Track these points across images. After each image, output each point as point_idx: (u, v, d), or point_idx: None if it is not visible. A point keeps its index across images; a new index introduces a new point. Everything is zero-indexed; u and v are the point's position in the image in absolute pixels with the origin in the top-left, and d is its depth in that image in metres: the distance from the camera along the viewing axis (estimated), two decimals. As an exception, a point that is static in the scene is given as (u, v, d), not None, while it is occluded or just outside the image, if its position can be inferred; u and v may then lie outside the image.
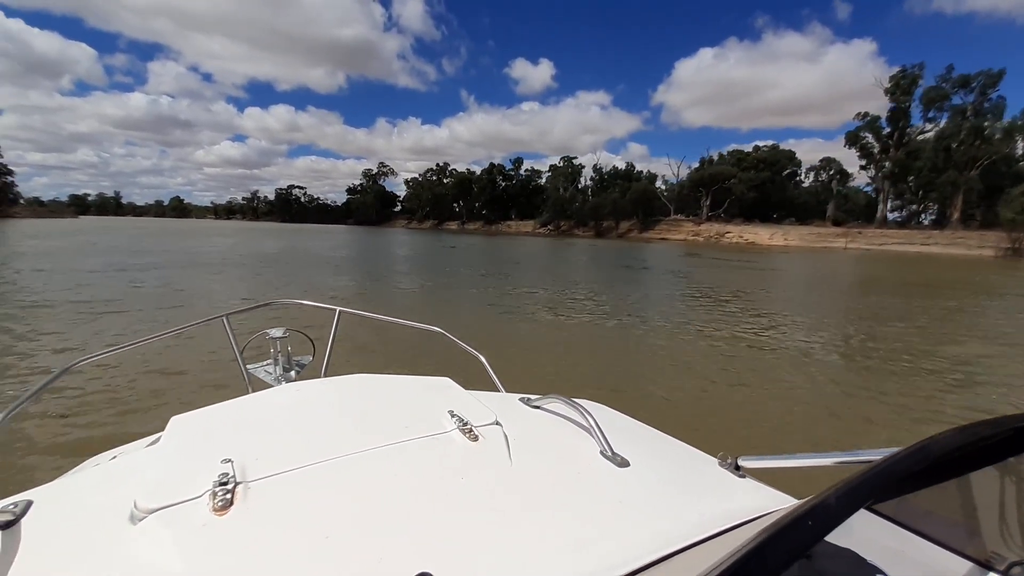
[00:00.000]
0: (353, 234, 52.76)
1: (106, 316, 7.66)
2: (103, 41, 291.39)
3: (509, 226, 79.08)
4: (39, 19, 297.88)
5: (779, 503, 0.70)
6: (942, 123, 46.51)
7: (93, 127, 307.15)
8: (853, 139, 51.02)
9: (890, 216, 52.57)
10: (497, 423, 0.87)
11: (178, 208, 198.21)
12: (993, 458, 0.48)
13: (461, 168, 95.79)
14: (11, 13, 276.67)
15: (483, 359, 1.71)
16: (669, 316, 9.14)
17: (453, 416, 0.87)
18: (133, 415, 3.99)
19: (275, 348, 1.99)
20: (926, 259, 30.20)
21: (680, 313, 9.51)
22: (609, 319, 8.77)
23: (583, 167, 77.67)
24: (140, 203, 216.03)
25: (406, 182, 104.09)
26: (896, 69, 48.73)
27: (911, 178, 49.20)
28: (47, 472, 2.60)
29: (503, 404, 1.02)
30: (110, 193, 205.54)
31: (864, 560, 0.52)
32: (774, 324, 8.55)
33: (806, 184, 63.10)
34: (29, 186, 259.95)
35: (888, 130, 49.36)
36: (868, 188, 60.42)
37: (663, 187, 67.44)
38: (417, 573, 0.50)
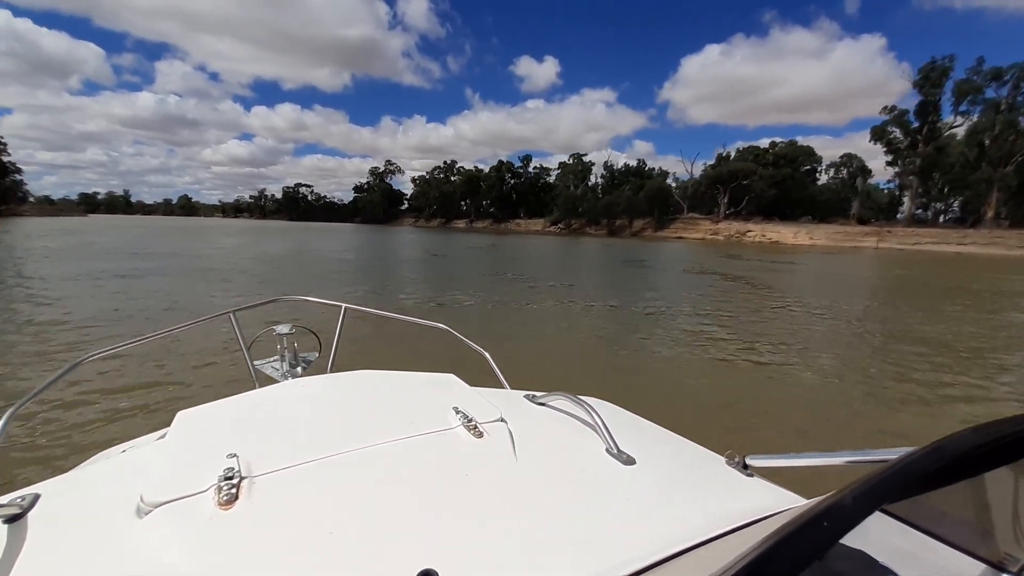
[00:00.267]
0: (363, 233, 51.55)
1: (62, 354, 5.40)
2: (111, 41, 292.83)
3: (518, 224, 77.71)
4: (47, 19, 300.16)
5: (788, 503, 0.69)
6: (974, 117, 44.62)
7: (102, 126, 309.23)
8: (879, 134, 49.11)
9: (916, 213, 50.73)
10: (502, 420, 0.85)
11: (186, 207, 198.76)
12: (1008, 458, 0.47)
13: (467, 166, 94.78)
14: (19, 13, 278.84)
15: (488, 356, 1.68)
16: (818, 348, 6.80)
17: (458, 412, 0.86)
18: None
19: (282, 344, 2.02)
20: (966, 260, 28.43)
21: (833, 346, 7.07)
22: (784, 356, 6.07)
23: (593, 164, 76.18)
24: (149, 201, 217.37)
25: (413, 180, 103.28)
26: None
27: (936, 175, 47.29)
28: (55, 466, 2.65)
29: (508, 401, 1.00)
30: (119, 192, 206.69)
31: (876, 561, 0.51)
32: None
33: (821, 181, 61.12)
34: (39, 184, 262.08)
35: (916, 124, 47.44)
36: (889, 185, 58.56)
37: (673, 184, 65.71)
38: (421, 570, 0.50)
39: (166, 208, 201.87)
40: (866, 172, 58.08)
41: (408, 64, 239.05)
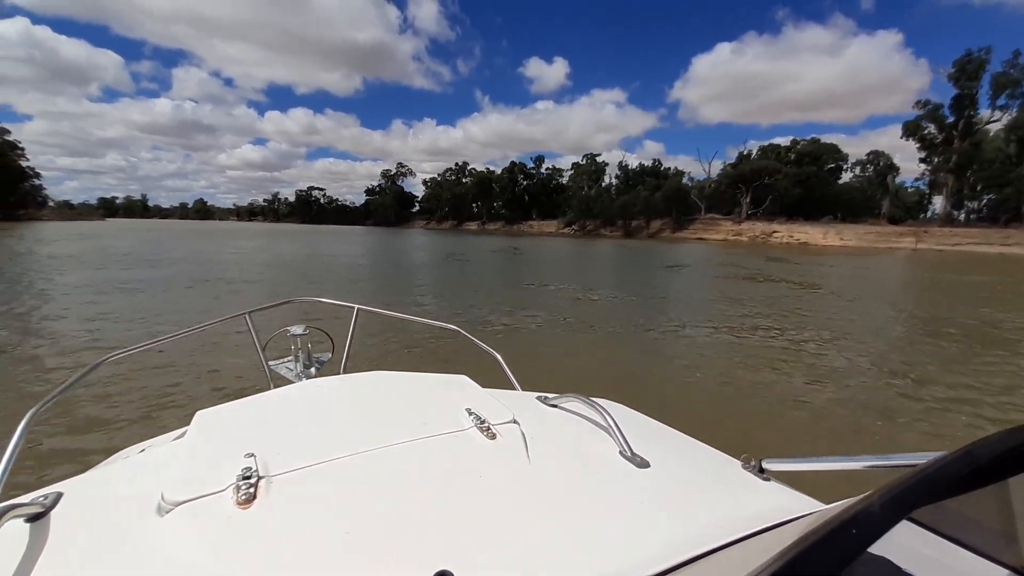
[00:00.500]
0: (375, 236, 50.79)
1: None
2: (128, 48, 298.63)
3: (531, 226, 76.51)
4: (65, 26, 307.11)
5: (806, 507, 0.67)
6: (1013, 111, 42.32)
7: (121, 132, 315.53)
8: (912, 129, 46.95)
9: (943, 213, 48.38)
10: (514, 421, 0.85)
11: (201, 210, 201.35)
12: None
13: (477, 168, 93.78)
14: (37, 20, 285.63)
15: (499, 357, 1.67)
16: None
17: (471, 414, 0.86)
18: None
19: (295, 345, 2.06)
20: (1015, 262, 26.52)
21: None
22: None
23: (607, 164, 74.72)
24: (166, 205, 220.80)
25: (424, 182, 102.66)
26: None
27: (969, 172, 45.02)
28: (77, 464, 2.73)
29: (520, 402, 1.01)
30: (137, 196, 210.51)
31: (901, 569, 0.50)
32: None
33: (843, 180, 58.77)
34: (61, 189, 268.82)
35: (951, 119, 45.24)
36: (917, 183, 56.18)
37: (688, 184, 63.86)
38: (437, 571, 0.50)
39: (182, 212, 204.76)
40: (894, 170, 55.87)
41: (418, 67, 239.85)
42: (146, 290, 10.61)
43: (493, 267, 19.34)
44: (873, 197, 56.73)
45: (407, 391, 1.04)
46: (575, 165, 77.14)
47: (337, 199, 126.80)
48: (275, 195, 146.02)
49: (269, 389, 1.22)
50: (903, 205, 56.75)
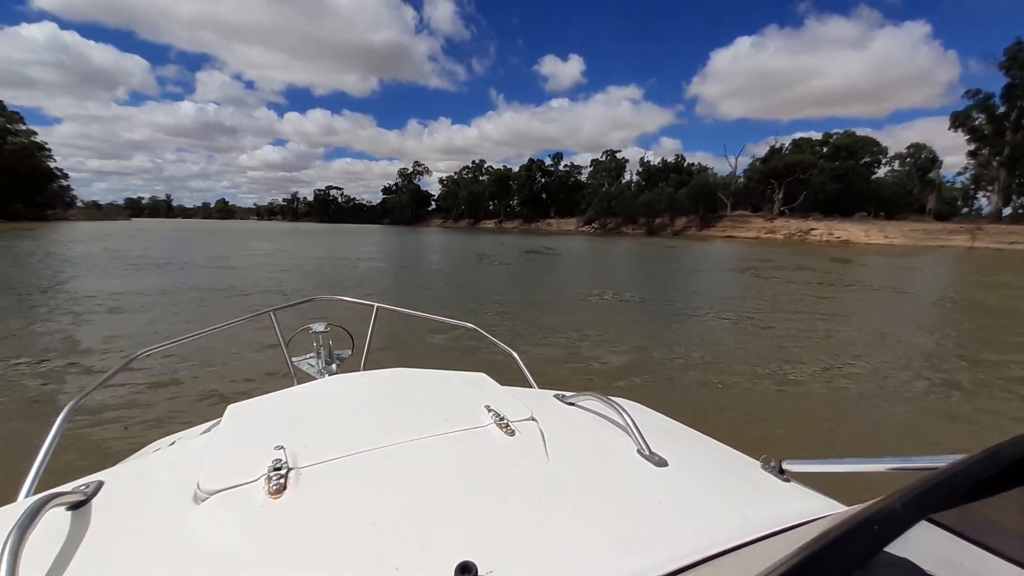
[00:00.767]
0: (393, 235, 49.92)
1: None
2: (154, 53, 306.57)
3: (550, 224, 75.03)
4: (93, 32, 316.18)
5: (826, 509, 0.67)
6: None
7: (147, 135, 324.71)
8: (962, 119, 44.06)
9: (987, 209, 45.38)
10: (533, 419, 0.85)
11: (223, 210, 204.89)
12: None
13: (494, 166, 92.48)
14: (65, 25, 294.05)
15: (516, 355, 1.69)
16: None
17: (490, 411, 0.87)
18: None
19: (317, 342, 2.14)
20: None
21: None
22: None
23: (627, 161, 72.72)
24: (189, 206, 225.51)
25: (441, 181, 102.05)
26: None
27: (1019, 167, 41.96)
28: (115, 454, 2.72)
29: (539, 400, 1.03)
30: (162, 196, 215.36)
31: (922, 571, 0.49)
32: None
33: (878, 174, 55.66)
34: (90, 191, 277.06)
35: (1003, 109, 42.27)
36: (958, 178, 52.91)
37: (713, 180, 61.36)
38: (460, 562, 0.51)
39: (204, 212, 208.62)
40: (938, 163, 52.82)
41: (433, 67, 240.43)
42: (149, 306, 9.55)
43: (542, 272, 17.06)
44: (911, 192, 53.74)
45: (428, 387, 1.05)
46: (594, 162, 75.36)
47: (354, 198, 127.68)
48: (294, 195, 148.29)
49: (292, 384, 1.25)
50: (946, 200, 53.65)
